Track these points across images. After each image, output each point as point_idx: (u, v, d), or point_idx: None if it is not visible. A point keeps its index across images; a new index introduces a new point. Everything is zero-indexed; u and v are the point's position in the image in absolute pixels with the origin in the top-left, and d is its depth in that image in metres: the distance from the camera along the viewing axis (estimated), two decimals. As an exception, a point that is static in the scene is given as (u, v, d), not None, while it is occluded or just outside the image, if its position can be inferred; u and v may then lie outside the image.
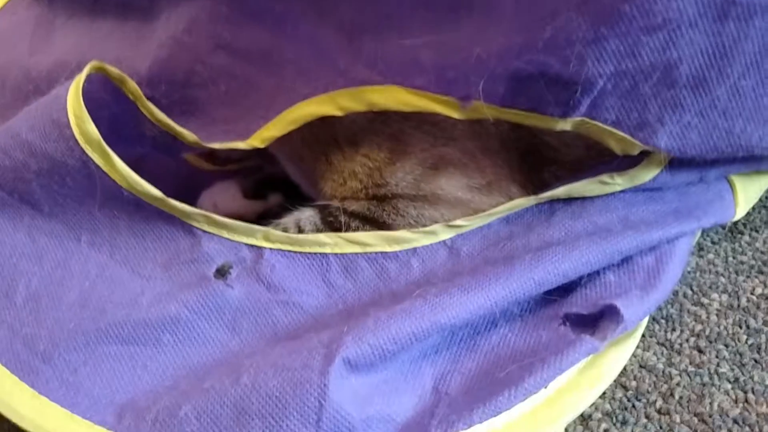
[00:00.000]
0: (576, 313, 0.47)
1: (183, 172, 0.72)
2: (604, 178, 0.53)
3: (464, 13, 0.47)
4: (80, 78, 0.51)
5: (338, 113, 0.52)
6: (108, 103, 0.55)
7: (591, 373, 0.47)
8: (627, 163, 0.52)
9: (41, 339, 0.49)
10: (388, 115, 0.54)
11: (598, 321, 0.47)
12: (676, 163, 0.52)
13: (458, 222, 0.54)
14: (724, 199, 0.55)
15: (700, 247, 0.58)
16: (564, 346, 0.45)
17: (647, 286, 0.49)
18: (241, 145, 0.54)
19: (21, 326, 0.50)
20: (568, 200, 0.54)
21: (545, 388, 0.45)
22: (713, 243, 0.59)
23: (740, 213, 0.55)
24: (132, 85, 0.54)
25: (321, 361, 0.43)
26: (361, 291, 0.52)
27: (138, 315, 0.50)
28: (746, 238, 0.59)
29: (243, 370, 0.45)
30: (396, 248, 0.53)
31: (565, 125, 0.48)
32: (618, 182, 0.53)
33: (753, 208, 0.61)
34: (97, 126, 0.51)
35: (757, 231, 0.59)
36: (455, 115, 0.49)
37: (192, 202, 0.67)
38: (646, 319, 0.52)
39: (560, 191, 0.53)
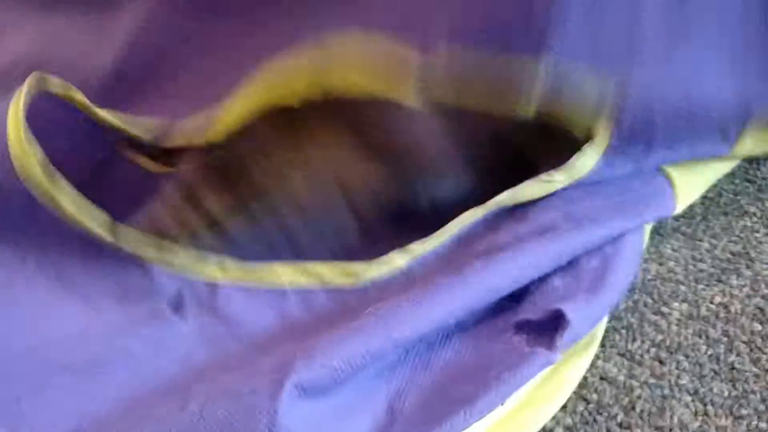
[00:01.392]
0: (525, 319, 0.47)
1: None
2: (542, 177, 0.53)
3: None
4: (19, 100, 0.49)
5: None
6: (64, 117, 0.53)
7: (549, 387, 0.46)
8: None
9: (-19, 366, 0.48)
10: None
11: (549, 331, 0.46)
12: (611, 153, 0.53)
13: (412, 246, 0.53)
14: (665, 192, 0.56)
15: (660, 255, 0.58)
16: (518, 360, 0.44)
17: (593, 288, 0.48)
18: (198, 140, 0.53)
19: (-40, 353, 0.48)
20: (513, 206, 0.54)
21: (502, 404, 0.44)
22: (673, 251, 0.58)
23: (680, 207, 0.57)
24: (79, 96, 0.52)
25: (271, 386, 0.42)
26: (319, 320, 0.51)
27: (87, 347, 0.49)
28: (706, 245, 0.58)
29: (191, 397, 0.43)
30: (354, 281, 0.52)
31: (529, 109, 0.48)
32: (557, 179, 0.53)
33: (712, 215, 0.61)
34: (53, 140, 0.49)
35: (716, 238, 0.59)
36: (411, 98, 0.49)
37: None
38: (605, 329, 0.51)
39: (504, 197, 0.53)
